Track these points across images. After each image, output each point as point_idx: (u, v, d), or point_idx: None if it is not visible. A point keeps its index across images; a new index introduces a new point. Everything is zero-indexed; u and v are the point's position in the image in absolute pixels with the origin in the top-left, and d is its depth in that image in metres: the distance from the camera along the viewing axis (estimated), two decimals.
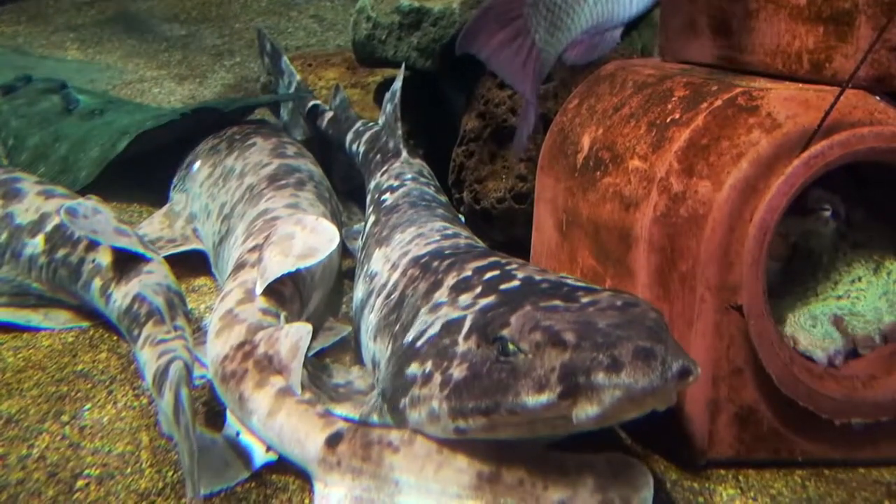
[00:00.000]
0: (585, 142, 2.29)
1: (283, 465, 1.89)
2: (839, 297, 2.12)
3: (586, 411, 1.46)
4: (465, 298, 1.83)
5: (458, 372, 1.63)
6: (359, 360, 2.36)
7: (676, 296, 1.94)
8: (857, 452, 2.02)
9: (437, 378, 1.66)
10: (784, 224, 1.97)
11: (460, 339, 1.69)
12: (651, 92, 2.19)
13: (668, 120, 2.06)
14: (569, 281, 1.80)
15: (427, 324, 1.82)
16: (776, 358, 1.89)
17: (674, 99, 2.10)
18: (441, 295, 1.90)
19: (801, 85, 2.02)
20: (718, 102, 1.99)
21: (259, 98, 4.24)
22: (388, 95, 3.28)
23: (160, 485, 1.88)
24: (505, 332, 1.58)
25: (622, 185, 2.10)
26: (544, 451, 1.68)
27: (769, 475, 1.99)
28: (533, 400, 1.49)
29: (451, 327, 1.74)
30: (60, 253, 2.60)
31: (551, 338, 1.52)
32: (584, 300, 1.65)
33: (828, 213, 2.05)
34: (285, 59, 4.04)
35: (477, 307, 1.75)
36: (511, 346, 1.56)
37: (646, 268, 2.00)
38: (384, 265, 2.34)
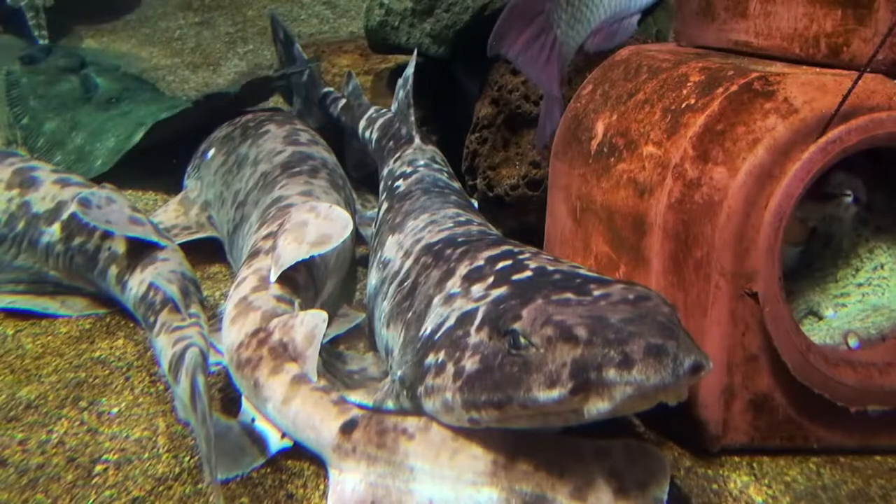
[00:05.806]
0: (599, 128, 2.28)
1: (298, 452, 1.90)
2: (860, 285, 2.09)
3: (597, 406, 1.47)
4: (477, 289, 1.83)
5: (470, 364, 1.63)
6: (373, 346, 2.37)
7: (691, 283, 1.93)
8: (873, 440, 2.01)
9: (450, 369, 1.66)
10: (803, 209, 1.95)
11: (472, 330, 1.69)
12: (666, 77, 2.17)
13: (684, 105, 2.04)
14: (581, 272, 1.79)
15: (443, 317, 1.82)
16: (792, 345, 1.88)
17: (689, 84, 2.08)
18: (454, 285, 1.90)
19: (818, 69, 2.00)
20: (734, 87, 1.97)
21: (266, 74, 4.25)
22: (400, 82, 3.27)
23: (177, 470, 1.90)
24: (517, 326, 1.58)
25: (636, 172, 2.08)
26: (560, 437, 1.69)
27: (784, 462, 1.98)
28: (544, 395, 1.50)
29: (464, 318, 1.74)
30: (77, 241, 2.62)
31: (563, 333, 1.51)
32: (597, 293, 1.64)
33: (849, 199, 2.03)
34: (298, 46, 4.04)
35: (489, 299, 1.75)
36: (523, 340, 1.56)
37: (660, 255, 1.98)
38: (397, 252, 2.34)
